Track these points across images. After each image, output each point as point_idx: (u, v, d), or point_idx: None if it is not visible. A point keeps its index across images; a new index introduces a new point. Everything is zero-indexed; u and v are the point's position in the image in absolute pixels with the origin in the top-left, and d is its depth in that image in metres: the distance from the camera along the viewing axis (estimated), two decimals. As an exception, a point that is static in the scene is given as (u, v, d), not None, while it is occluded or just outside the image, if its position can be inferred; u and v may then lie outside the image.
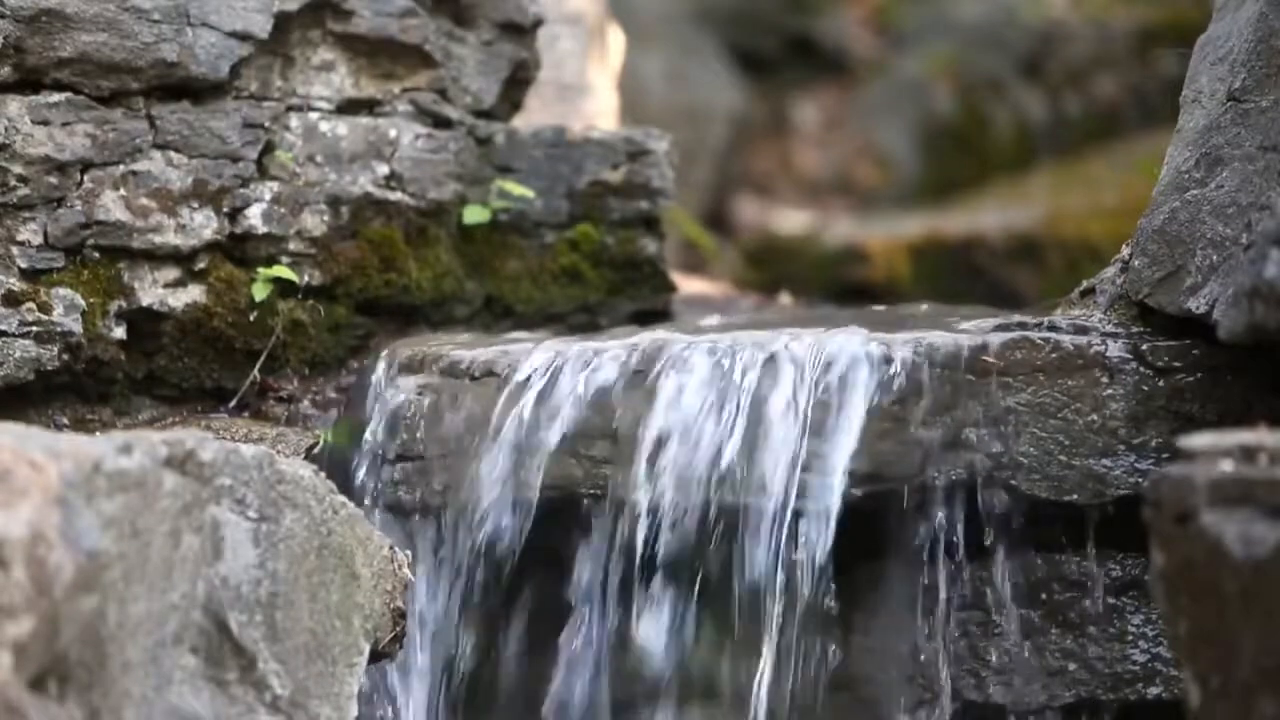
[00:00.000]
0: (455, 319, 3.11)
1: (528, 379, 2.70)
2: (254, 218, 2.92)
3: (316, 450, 2.80)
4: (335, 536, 2.27)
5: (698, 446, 2.61)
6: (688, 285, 3.67)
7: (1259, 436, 1.92)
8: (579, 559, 2.68)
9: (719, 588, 2.61)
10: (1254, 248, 2.30)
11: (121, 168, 2.82)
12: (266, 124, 2.93)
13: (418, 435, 2.76)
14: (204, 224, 2.88)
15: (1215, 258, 2.57)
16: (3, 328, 2.71)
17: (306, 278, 2.96)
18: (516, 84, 3.24)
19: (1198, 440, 1.94)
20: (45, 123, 2.76)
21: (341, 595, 2.27)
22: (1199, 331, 2.58)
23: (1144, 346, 2.61)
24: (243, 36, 2.89)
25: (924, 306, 3.38)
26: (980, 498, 2.59)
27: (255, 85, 2.94)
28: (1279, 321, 2.20)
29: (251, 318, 2.91)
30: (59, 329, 2.75)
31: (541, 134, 3.21)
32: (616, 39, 4.51)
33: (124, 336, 2.83)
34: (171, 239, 2.85)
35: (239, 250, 2.93)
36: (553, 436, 2.66)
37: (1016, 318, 2.76)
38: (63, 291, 2.77)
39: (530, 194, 3.15)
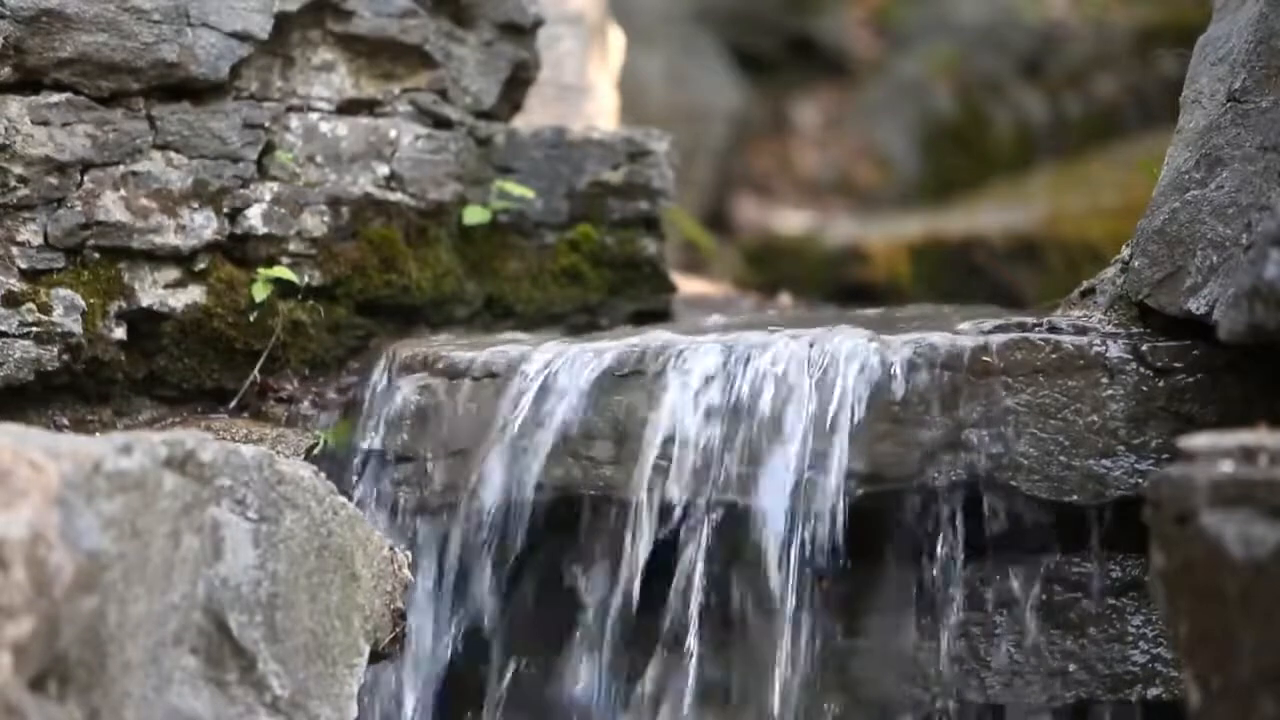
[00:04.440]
0: (455, 319, 3.11)
1: (528, 379, 2.70)
2: (254, 218, 2.92)
3: (316, 451, 2.80)
4: (335, 537, 2.27)
5: (698, 447, 2.61)
6: (688, 285, 3.67)
7: (1259, 437, 1.92)
8: (579, 559, 2.68)
9: (720, 588, 2.61)
10: (1254, 248, 2.30)
11: (121, 168, 2.82)
12: (266, 124, 2.93)
13: (418, 436, 2.76)
14: (204, 224, 2.88)
15: (1215, 258, 2.57)
16: (3, 328, 2.71)
17: (306, 278, 2.96)
18: (517, 84, 3.24)
19: (1198, 441, 1.94)
20: (45, 123, 2.76)
21: (341, 596, 2.27)
22: (1199, 332, 2.58)
23: (1144, 347, 2.61)
24: (243, 37, 2.89)
25: (923, 307, 3.38)
26: (980, 498, 2.59)
27: (255, 86, 2.94)
28: (1279, 322, 2.20)
29: (251, 318, 2.91)
30: (59, 329, 2.75)
31: (541, 134, 3.21)
32: (616, 39, 4.51)
33: (124, 337, 2.83)
34: (171, 239, 2.85)
35: (239, 251, 2.93)
36: (553, 437, 2.66)
37: (1016, 318, 2.76)
38: (63, 292, 2.77)
39: (530, 194, 3.15)
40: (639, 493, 2.61)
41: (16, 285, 2.74)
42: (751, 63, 7.26)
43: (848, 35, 7.66)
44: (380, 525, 2.71)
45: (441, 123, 3.11)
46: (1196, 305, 2.57)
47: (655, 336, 2.75)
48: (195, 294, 2.89)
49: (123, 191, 2.82)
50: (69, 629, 1.88)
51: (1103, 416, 2.58)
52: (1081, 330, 2.65)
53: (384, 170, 3.04)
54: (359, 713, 2.29)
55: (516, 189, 3.14)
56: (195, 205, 2.87)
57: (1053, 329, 2.66)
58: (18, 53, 2.75)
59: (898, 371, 2.60)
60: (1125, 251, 2.76)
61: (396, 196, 3.04)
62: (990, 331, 2.66)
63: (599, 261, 3.18)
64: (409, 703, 2.68)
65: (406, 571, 2.40)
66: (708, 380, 2.64)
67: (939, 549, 2.60)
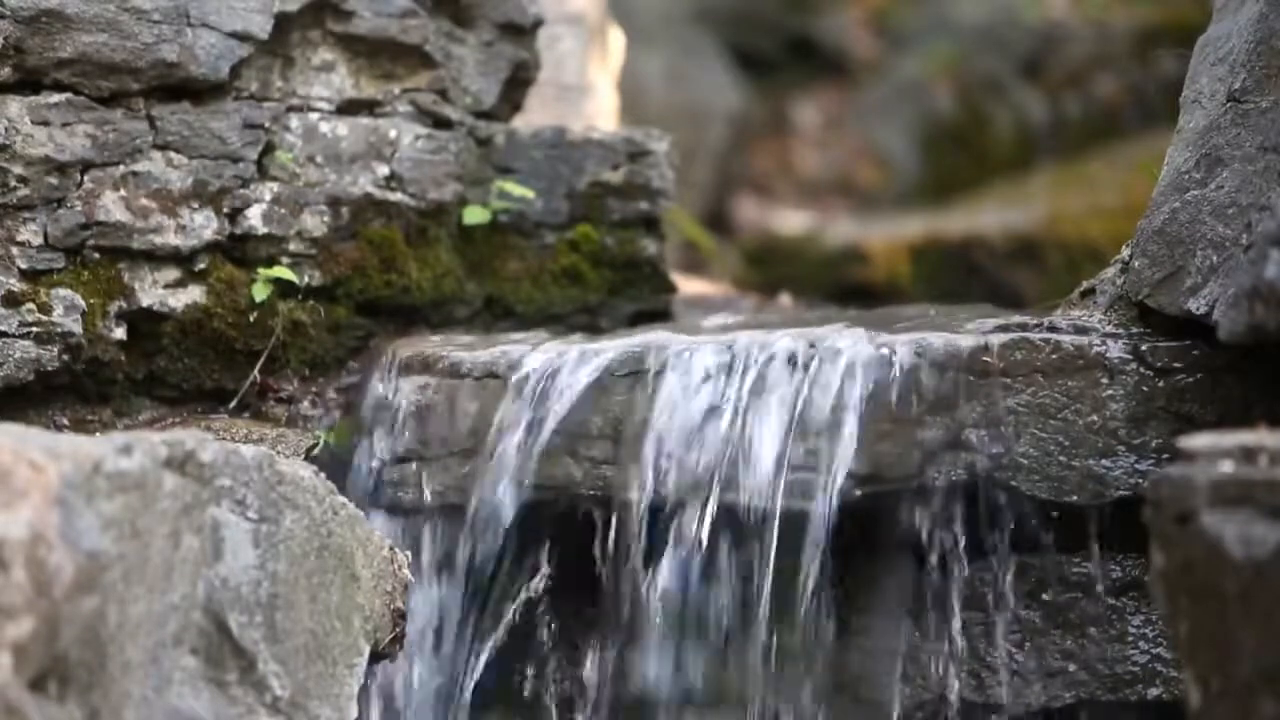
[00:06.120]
0: (455, 320, 3.11)
1: (527, 379, 2.70)
2: (254, 218, 2.92)
3: (316, 451, 2.80)
4: (335, 537, 2.27)
5: (698, 447, 2.61)
6: (688, 285, 3.67)
7: (1259, 437, 1.92)
8: (580, 559, 2.68)
9: (719, 588, 2.61)
10: (1254, 248, 2.30)
11: (121, 168, 2.82)
12: (266, 124, 2.93)
13: (418, 436, 2.76)
14: (204, 224, 2.88)
15: (1215, 258, 2.57)
16: (3, 328, 2.71)
17: (306, 278, 2.96)
18: (517, 84, 3.24)
19: (1198, 441, 1.94)
20: (45, 123, 2.76)
21: (341, 596, 2.27)
22: (1199, 332, 2.58)
23: (1144, 347, 2.61)
24: (243, 37, 2.89)
25: (923, 307, 3.38)
26: (980, 498, 2.59)
27: (255, 86, 2.94)
28: (1279, 322, 2.20)
29: (251, 318, 2.91)
30: (59, 329, 2.75)
31: (541, 134, 3.21)
32: (616, 39, 4.51)
33: (124, 337, 2.83)
34: (171, 239, 2.85)
35: (239, 251, 2.93)
36: (552, 437, 2.66)
37: (1016, 318, 2.76)
38: (63, 292, 2.77)
39: (530, 194, 3.15)
40: (638, 492, 2.61)
41: (16, 285, 2.74)
42: (751, 63, 7.26)
43: (848, 35, 7.67)
44: (380, 525, 2.71)
45: (441, 123, 3.11)
46: (1196, 305, 2.57)
47: (655, 336, 2.75)
48: (195, 294, 2.89)
49: (123, 191, 2.82)
50: (69, 629, 1.88)
51: (1103, 416, 2.58)
52: (1081, 330, 2.65)
53: (384, 170, 3.04)
54: (359, 712, 2.30)
55: (516, 189, 3.14)
56: (195, 205, 2.87)
57: (1053, 329, 2.66)
58: (18, 53, 2.75)
59: (898, 371, 2.60)
60: (1125, 251, 2.76)
61: (396, 196, 3.04)
62: (990, 331, 2.66)
63: (599, 262, 3.18)
64: (413, 705, 2.69)
65: (406, 571, 2.40)
66: (707, 380, 2.64)
67: (939, 549, 2.60)
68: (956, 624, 2.60)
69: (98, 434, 2.72)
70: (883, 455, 2.59)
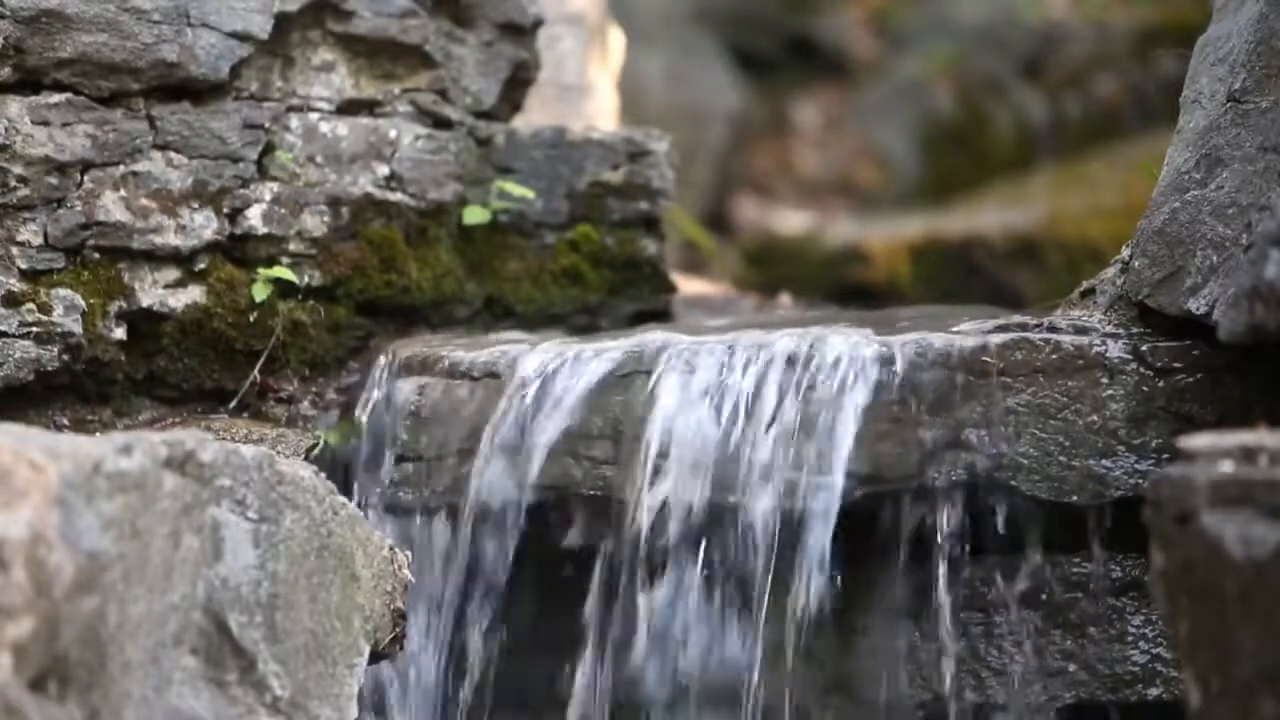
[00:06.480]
0: (455, 320, 3.11)
1: (528, 379, 2.70)
2: (254, 218, 2.92)
3: (316, 451, 2.80)
4: (335, 537, 2.27)
5: (698, 447, 2.61)
6: (688, 285, 3.67)
7: (1259, 437, 1.92)
8: (580, 560, 2.68)
9: (718, 589, 2.61)
10: (1254, 248, 2.30)
11: (121, 168, 2.82)
12: (266, 124, 2.93)
13: (418, 436, 2.76)
14: (204, 224, 2.88)
15: (1215, 258, 2.57)
16: (3, 328, 2.71)
17: (306, 278, 2.96)
18: (517, 84, 3.24)
19: (1198, 441, 1.94)
20: (45, 123, 2.76)
21: (341, 596, 2.27)
22: (1199, 332, 2.58)
23: (1144, 347, 2.61)
24: (243, 37, 2.89)
25: (923, 308, 3.38)
26: (980, 499, 2.59)
27: (255, 86, 2.94)
28: (1279, 322, 2.20)
29: (251, 318, 2.91)
30: (59, 329, 2.75)
31: (541, 134, 3.21)
32: (616, 39, 4.51)
33: (124, 337, 2.83)
34: (171, 240, 2.85)
35: (239, 251, 2.93)
36: (552, 437, 2.66)
37: (1016, 318, 2.76)
38: (63, 292, 2.77)
39: (530, 194, 3.15)
40: (637, 493, 2.61)
41: (16, 285, 2.74)
42: (751, 63, 7.26)
43: (848, 35, 7.67)
44: (380, 526, 2.70)
45: (441, 123, 3.11)
46: (1196, 305, 2.57)
47: (655, 337, 2.75)
48: (195, 294, 2.89)
49: (123, 191, 2.82)
50: (69, 629, 1.88)
51: (1103, 416, 2.58)
52: (1081, 330, 2.65)
53: (384, 170, 3.04)
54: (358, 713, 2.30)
55: (516, 189, 3.14)
56: (195, 205, 2.87)
57: (1053, 329, 2.66)
58: (18, 53, 2.75)
59: (898, 371, 2.60)
60: (1125, 251, 2.76)
61: (396, 196, 3.04)
62: (990, 331, 2.66)
63: (599, 262, 3.18)
64: (409, 710, 2.69)
65: (406, 571, 2.39)
66: (707, 380, 2.64)
67: (938, 549, 2.60)
68: (956, 624, 2.60)
69: (98, 434, 2.72)
70: (882, 455, 2.59)
